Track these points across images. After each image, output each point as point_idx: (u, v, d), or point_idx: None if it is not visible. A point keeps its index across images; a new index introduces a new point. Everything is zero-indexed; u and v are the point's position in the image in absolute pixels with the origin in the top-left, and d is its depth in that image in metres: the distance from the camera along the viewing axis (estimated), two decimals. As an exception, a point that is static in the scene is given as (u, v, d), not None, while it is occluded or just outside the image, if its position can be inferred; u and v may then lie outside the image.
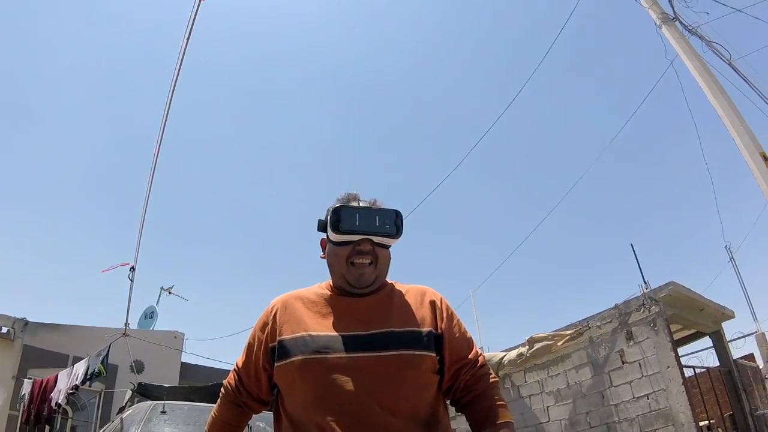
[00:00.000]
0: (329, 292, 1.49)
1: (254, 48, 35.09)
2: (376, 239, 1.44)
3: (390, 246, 1.49)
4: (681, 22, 7.52)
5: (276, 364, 1.39)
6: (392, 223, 1.45)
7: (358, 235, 1.42)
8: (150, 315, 12.87)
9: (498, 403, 1.41)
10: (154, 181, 6.76)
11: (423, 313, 1.45)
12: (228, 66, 33.90)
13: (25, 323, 10.51)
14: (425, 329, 1.41)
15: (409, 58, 34.48)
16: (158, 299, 13.61)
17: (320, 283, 1.56)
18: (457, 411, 1.50)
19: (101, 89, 29.94)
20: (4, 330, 10.10)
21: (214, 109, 34.97)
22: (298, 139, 37.94)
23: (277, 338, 1.41)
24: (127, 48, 30.56)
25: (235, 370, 1.56)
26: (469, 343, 1.50)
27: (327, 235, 1.51)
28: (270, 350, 1.43)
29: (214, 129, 34.53)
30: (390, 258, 1.51)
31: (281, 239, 40.02)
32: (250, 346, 1.51)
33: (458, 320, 1.52)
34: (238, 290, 34.84)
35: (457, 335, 1.47)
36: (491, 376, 1.48)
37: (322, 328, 1.38)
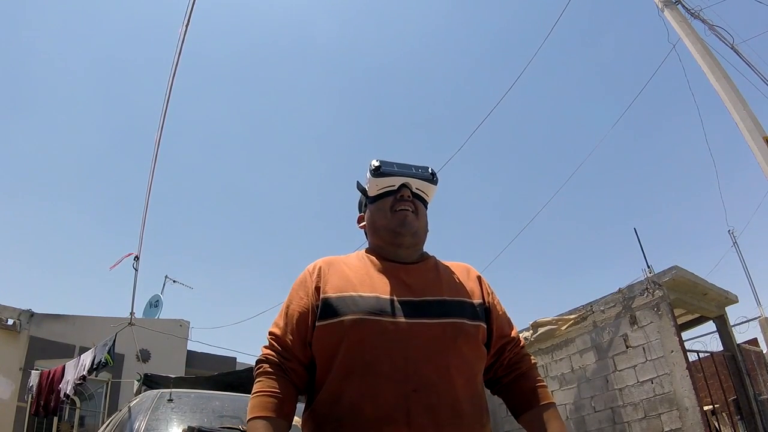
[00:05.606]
0: (372, 257, 1.47)
1: (251, 34, 34.94)
2: (414, 187, 1.49)
3: (428, 201, 1.54)
4: (683, 6, 7.45)
5: (318, 323, 1.29)
6: (428, 172, 1.53)
7: (397, 177, 1.48)
8: (155, 304, 12.92)
9: (541, 384, 1.41)
10: (156, 169, 6.74)
11: (471, 285, 1.46)
12: (227, 52, 33.78)
13: (31, 314, 10.59)
14: (476, 300, 1.41)
15: (409, 38, 34.30)
16: (163, 288, 13.69)
17: (358, 251, 1.54)
18: (492, 392, 1.48)
19: (100, 79, 29.89)
20: (10, 322, 10.18)
21: (214, 96, 34.91)
22: (299, 124, 37.87)
23: (321, 296, 1.33)
24: (128, 32, 30.45)
25: (271, 340, 1.37)
26: (510, 322, 1.51)
27: (365, 201, 1.56)
28: (314, 308, 1.33)
29: (214, 115, 34.48)
30: (427, 218, 1.54)
31: (285, 227, 40.08)
32: (289, 308, 1.38)
33: (499, 300, 1.52)
34: (242, 278, 34.96)
35: (500, 312, 1.48)
36: (531, 357, 1.49)
37: (371, 290, 1.32)
